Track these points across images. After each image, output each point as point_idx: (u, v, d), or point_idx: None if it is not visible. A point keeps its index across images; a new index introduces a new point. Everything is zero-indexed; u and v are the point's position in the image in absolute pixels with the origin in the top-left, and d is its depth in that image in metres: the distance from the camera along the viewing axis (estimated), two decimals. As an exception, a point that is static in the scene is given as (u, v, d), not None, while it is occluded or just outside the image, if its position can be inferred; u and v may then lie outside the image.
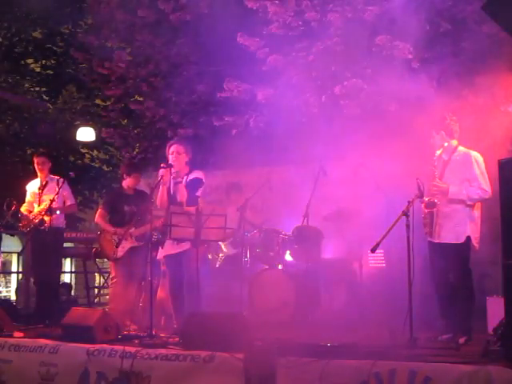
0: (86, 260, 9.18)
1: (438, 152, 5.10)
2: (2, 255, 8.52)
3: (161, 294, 6.66)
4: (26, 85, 13.98)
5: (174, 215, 5.19)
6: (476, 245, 4.91)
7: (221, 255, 7.35)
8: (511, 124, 5.63)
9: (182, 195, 5.45)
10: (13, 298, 13.18)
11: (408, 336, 4.32)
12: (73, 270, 15.90)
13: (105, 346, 4.56)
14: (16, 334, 5.28)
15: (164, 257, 5.73)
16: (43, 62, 14.36)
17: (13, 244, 16.23)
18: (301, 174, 7.32)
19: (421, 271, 5.04)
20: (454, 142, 5.09)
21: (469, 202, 4.88)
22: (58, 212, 6.71)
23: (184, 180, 5.57)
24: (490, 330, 4.84)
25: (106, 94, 10.90)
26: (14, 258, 17.95)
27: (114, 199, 6.52)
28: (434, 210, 4.91)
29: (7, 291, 17.91)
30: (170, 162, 5.56)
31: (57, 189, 6.60)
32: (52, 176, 6.90)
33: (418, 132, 5.39)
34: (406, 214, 4.60)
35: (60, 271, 7.17)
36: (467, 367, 3.51)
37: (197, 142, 9.02)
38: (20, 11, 13.43)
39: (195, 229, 5.20)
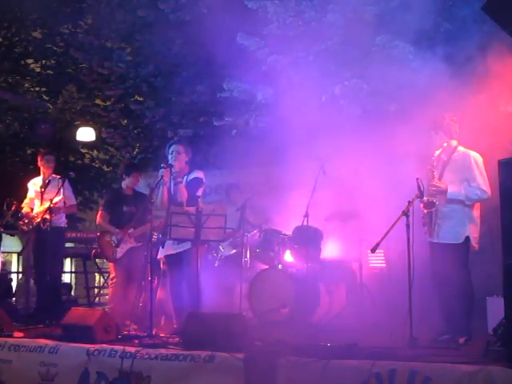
0: (86, 260, 9.19)
1: (437, 152, 5.10)
2: (2, 255, 8.51)
3: (161, 293, 6.66)
4: (26, 85, 13.97)
5: (173, 215, 5.19)
6: (475, 245, 4.91)
7: (220, 255, 7.35)
8: (511, 124, 5.63)
9: (183, 195, 5.46)
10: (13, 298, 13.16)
11: (408, 336, 4.32)
12: (73, 270, 15.89)
13: (105, 345, 4.56)
14: (16, 334, 5.28)
15: (164, 257, 5.73)
16: (43, 62, 14.34)
17: (13, 244, 16.21)
18: (301, 173, 7.31)
19: (421, 271, 5.04)
20: (454, 142, 5.09)
21: (468, 202, 4.88)
22: (60, 212, 6.71)
23: (184, 180, 5.57)
24: (490, 330, 4.84)
25: (106, 93, 10.91)
26: (14, 258, 17.94)
27: (113, 200, 6.52)
28: (433, 210, 4.91)
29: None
30: (170, 161, 5.56)
31: (61, 188, 6.60)
32: (54, 175, 6.91)
33: (417, 132, 5.39)
34: (406, 213, 4.60)
35: (61, 271, 7.16)
36: (467, 367, 3.51)
37: (197, 141, 9.03)
38: (20, 11, 13.42)
39: (195, 229, 5.20)
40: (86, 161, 14.36)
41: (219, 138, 9.50)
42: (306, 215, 6.24)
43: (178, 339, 4.70)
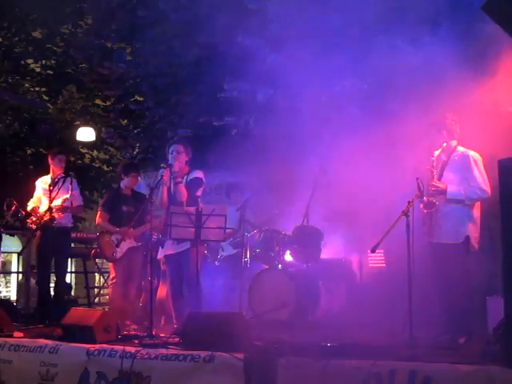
0: (86, 260, 9.19)
1: (437, 152, 5.10)
2: (2, 255, 8.51)
3: (161, 293, 6.66)
4: (26, 85, 13.97)
5: (173, 215, 5.19)
6: (476, 245, 4.91)
7: (220, 255, 7.35)
8: (511, 124, 5.63)
9: (183, 195, 5.46)
10: (13, 298, 13.17)
11: (408, 336, 4.31)
12: (73, 270, 15.89)
13: (105, 345, 4.56)
14: (16, 334, 5.28)
15: (164, 256, 5.73)
16: (43, 62, 14.35)
17: (13, 244, 16.24)
18: (301, 173, 7.31)
19: (421, 271, 5.03)
20: (454, 142, 5.09)
21: (468, 202, 4.89)
22: (68, 211, 6.71)
23: (184, 180, 5.57)
24: (490, 330, 4.84)
25: (106, 93, 10.91)
26: (14, 257, 17.95)
27: (112, 200, 6.52)
28: (433, 210, 4.92)
29: (7, 291, 17.90)
30: (170, 161, 5.56)
31: (70, 187, 6.60)
32: (63, 175, 6.90)
33: (417, 132, 5.39)
34: (406, 214, 4.60)
35: (66, 271, 7.14)
36: (467, 367, 3.51)
37: (197, 142, 9.02)
38: (20, 11, 13.42)
39: (195, 229, 5.20)
40: (86, 161, 14.36)
41: (219, 138, 9.50)
42: (306, 215, 6.24)
43: (178, 339, 4.70)
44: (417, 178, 4.80)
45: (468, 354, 4.04)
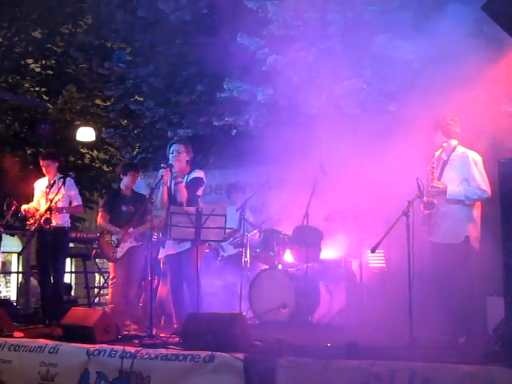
0: (86, 260, 9.19)
1: (437, 153, 5.10)
2: (2, 255, 8.50)
3: (161, 293, 6.66)
4: (26, 85, 13.97)
5: (173, 215, 5.19)
6: (476, 245, 4.90)
7: (221, 255, 7.35)
8: (511, 124, 5.63)
9: (183, 195, 5.45)
10: (13, 298, 13.16)
11: (408, 336, 4.31)
12: (73, 270, 15.89)
13: (105, 345, 4.56)
14: (16, 333, 5.28)
15: (165, 256, 5.73)
16: (43, 62, 14.35)
17: (13, 244, 16.22)
18: (301, 173, 7.31)
19: (421, 271, 5.04)
20: (454, 142, 5.09)
21: (467, 202, 4.88)
22: (64, 211, 6.69)
23: (184, 179, 5.57)
24: (490, 330, 4.84)
25: (106, 93, 10.91)
26: (14, 258, 17.94)
27: (112, 200, 6.52)
28: (433, 210, 4.92)
29: (7, 291, 17.89)
30: (170, 161, 5.56)
31: (63, 188, 6.59)
32: (60, 175, 6.87)
33: (417, 132, 5.39)
34: (406, 214, 4.59)
35: (64, 271, 7.13)
36: (467, 367, 3.50)
37: (197, 141, 9.02)
38: (20, 11, 13.42)
39: (195, 229, 5.20)
40: (86, 161, 14.36)
41: (219, 138, 9.50)
42: (306, 215, 6.24)
43: (178, 339, 4.69)
44: (417, 178, 4.80)
45: (468, 353, 4.04)
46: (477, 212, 4.96)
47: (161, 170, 5.51)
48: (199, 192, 5.62)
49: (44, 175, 6.95)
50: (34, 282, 9.98)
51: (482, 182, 4.86)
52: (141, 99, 10.29)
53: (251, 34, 7.89)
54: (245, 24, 7.93)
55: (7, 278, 18.52)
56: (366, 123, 6.84)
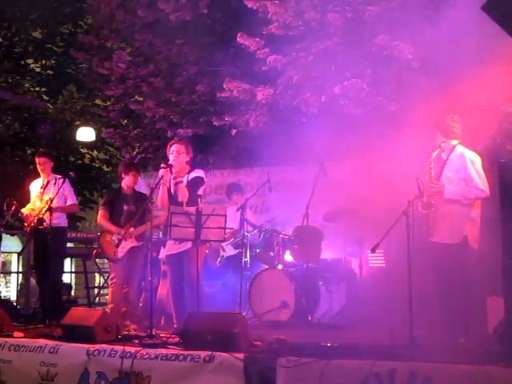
0: (86, 260, 9.19)
1: (435, 153, 5.10)
2: (2, 255, 8.50)
3: (161, 293, 6.66)
4: (26, 85, 13.96)
5: (173, 215, 5.19)
6: (475, 244, 4.90)
7: (221, 255, 7.35)
8: (511, 124, 5.63)
9: (184, 195, 5.45)
10: (13, 298, 13.17)
11: (408, 336, 4.31)
12: (73, 270, 15.89)
13: (105, 345, 4.56)
14: (16, 333, 5.27)
15: (165, 256, 5.73)
16: (43, 61, 14.36)
17: (13, 244, 16.23)
18: (301, 173, 7.32)
19: (421, 271, 5.04)
20: (453, 142, 5.09)
21: (465, 202, 4.88)
22: (58, 211, 6.68)
23: (185, 179, 5.56)
24: (490, 330, 4.84)
25: (106, 93, 10.90)
26: (14, 258, 17.94)
27: (113, 199, 6.51)
28: (431, 210, 4.92)
29: (7, 291, 17.89)
30: (170, 161, 5.56)
31: (57, 188, 6.58)
32: (54, 175, 6.87)
33: (417, 132, 5.39)
34: (406, 214, 4.59)
35: (62, 271, 7.12)
36: (467, 367, 3.51)
37: (197, 141, 9.02)
38: (20, 11, 13.42)
39: (195, 229, 5.20)
40: (86, 161, 14.36)
41: (219, 138, 9.50)
42: (306, 215, 6.24)
43: (178, 339, 4.69)
44: (417, 178, 4.80)
45: (468, 353, 4.04)
46: (476, 212, 4.96)
47: (161, 170, 5.51)
48: (200, 191, 5.62)
49: (39, 176, 6.94)
50: (33, 282, 9.99)
51: (479, 181, 4.87)
52: (141, 99, 10.29)
53: (251, 34, 7.89)
54: (245, 24, 7.93)
55: (7, 277, 18.51)
56: (366, 123, 6.84)
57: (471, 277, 4.89)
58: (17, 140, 13.48)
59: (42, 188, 6.70)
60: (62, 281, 7.22)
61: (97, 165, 14.41)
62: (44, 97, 14.03)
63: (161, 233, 6.85)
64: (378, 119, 6.78)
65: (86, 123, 12.70)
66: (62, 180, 6.67)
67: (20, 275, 13.55)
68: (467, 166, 4.91)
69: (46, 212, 6.43)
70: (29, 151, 13.66)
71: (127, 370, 4.30)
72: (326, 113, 7.19)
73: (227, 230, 5.80)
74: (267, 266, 6.72)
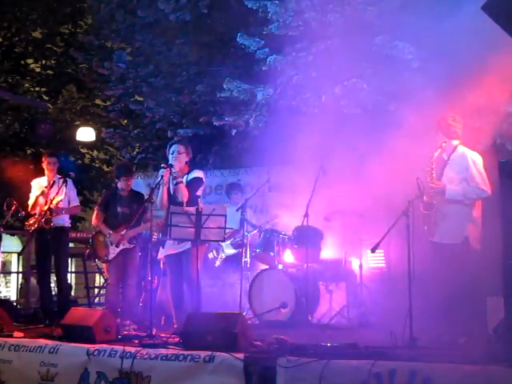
0: (86, 260, 9.18)
1: (436, 153, 5.10)
2: (2, 255, 8.49)
3: (161, 294, 6.66)
4: (26, 85, 13.98)
5: (173, 215, 5.19)
6: (476, 245, 4.90)
7: (221, 255, 7.35)
8: (511, 124, 5.63)
9: (184, 195, 5.45)
10: (13, 298, 13.17)
11: (408, 336, 4.31)
12: (73, 270, 15.88)
13: (105, 345, 4.56)
14: (16, 333, 5.27)
15: (165, 257, 5.73)
16: (43, 61, 14.37)
17: (13, 244, 16.23)
18: (301, 173, 7.31)
19: (421, 271, 5.04)
20: (455, 142, 5.09)
21: (467, 202, 4.88)
22: (63, 212, 6.68)
23: (184, 180, 5.56)
24: (490, 330, 4.84)
25: (106, 93, 10.91)
26: (14, 258, 17.93)
27: (108, 200, 6.50)
28: (433, 211, 4.91)
29: (7, 291, 17.89)
30: (170, 162, 5.56)
31: (64, 189, 6.58)
32: (58, 176, 6.86)
33: (418, 132, 5.39)
34: (406, 214, 4.59)
35: (67, 270, 7.08)
36: (467, 367, 3.50)
37: (197, 141, 9.03)
38: (20, 11, 13.43)
39: (195, 229, 5.19)
40: (86, 161, 14.36)
41: (219, 138, 9.50)
42: (306, 215, 6.24)
43: (178, 339, 4.69)
44: (417, 178, 4.80)
45: (468, 353, 4.03)
46: (477, 212, 4.96)
47: (161, 170, 5.50)
48: (199, 192, 5.62)
49: (42, 175, 6.92)
50: (33, 282, 9.97)
51: (481, 181, 4.86)
52: (141, 99, 10.30)
53: (251, 34, 7.90)
54: (245, 24, 7.93)
55: (7, 278, 18.51)
56: (366, 123, 6.84)
57: (472, 277, 4.88)
58: (17, 140, 13.49)
59: (47, 187, 6.65)
60: (67, 280, 7.15)
61: (97, 165, 14.42)
62: (44, 97, 14.04)
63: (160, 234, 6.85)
64: (377, 119, 6.77)
65: (86, 123, 12.71)
66: (68, 181, 6.68)
67: (20, 275, 13.55)
68: (469, 165, 4.91)
69: (50, 212, 6.43)
70: (29, 151, 13.67)
71: (127, 370, 4.30)
72: (325, 113, 7.18)
73: (227, 230, 5.79)
74: (267, 266, 6.72)
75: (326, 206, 6.73)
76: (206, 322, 4.50)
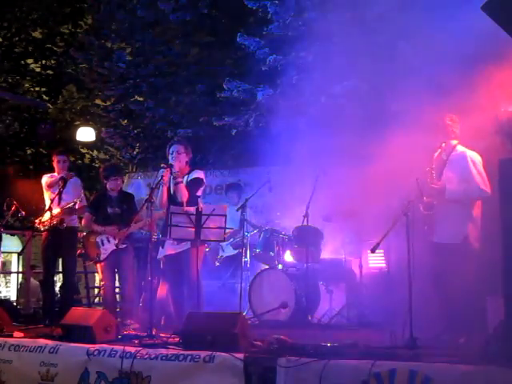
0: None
1: (436, 153, 5.10)
2: (2, 255, 8.49)
3: (161, 293, 6.66)
4: (26, 85, 14.00)
5: (173, 215, 5.19)
6: (475, 245, 4.90)
7: (221, 255, 7.35)
8: (511, 124, 5.62)
9: (184, 195, 5.45)
10: (13, 298, 13.17)
11: (408, 336, 4.31)
12: (73, 269, 15.87)
13: (105, 345, 4.55)
14: (16, 334, 5.27)
15: (164, 257, 5.73)
16: (43, 61, 14.38)
17: (13, 244, 16.24)
18: (301, 173, 7.31)
19: (421, 271, 5.03)
20: (454, 142, 5.09)
21: (467, 202, 4.88)
22: (75, 212, 6.65)
23: (184, 180, 5.57)
24: (490, 330, 4.84)
25: (106, 93, 10.92)
26: (14, 258, 17.95)
27: (98, 201, 6.49)
28: (433, 211, 4.91)
29: (7, 291, 17.90)
30: (170, 162, 5.56)
31: (80, 189, 6.62)
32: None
33: (417, 132, 5.38)
34: (406, 214, 4.59)
35: (75, 270, 7.05)
36: (467, 367, 3.50)
37: (197, 142, 9.03)
38: (20, 11, 13.44)
39: (195, 229, 5.19)
40: (86, 161, 14.37)
41: (219, 138, 9.51)
42: (306, 215, 6.24)
43: (178, 339, 4.69)
44: (417, 178, 4.80)
45: (468, 354, 4.03)
46: (476, 212, 4.96)
47: (161, 170, 5.50)
48: (199, 192, 5.62)
49: (46, 173, 6.87)
50: (33, 282, 9.98)
51: (480, 181, 4.86)
52: (141, 99, 10.31)
53: (251, 34, 7.91)
54: (245, 24, 7.94)
55: (7, 278, 18.53)
56: (366, 123, 6.84)
57: (471, 277, 4.88)
58: (17, 140, 13.50)
59: (60, 188, 6.58)
60: (75, 280, 7.12)
61: (97, 165, 14.42)
62: (44, 97, 14.06)
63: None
64: (378, 119, 6.77)
65: (85, 123, 12.71)
66: (79, 181, 6.82)
67: (20, 275, 13.56)
68: (468, 165, 4.91)
69: (66, 212, 6.41)
70: (29, 151, 13.68)
71: (127, 370, 4.30)
72: (326, 113, 7.19)
73: (227, 230, 5.79)
74: (267, 266, 6.72)
75: (325, 206, 6.72)
76: (206, 321, 4.50)
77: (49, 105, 13.35)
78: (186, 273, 5.44)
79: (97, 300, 10.29)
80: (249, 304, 6.42)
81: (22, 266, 16.04)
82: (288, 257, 6.71)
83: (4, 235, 8.43)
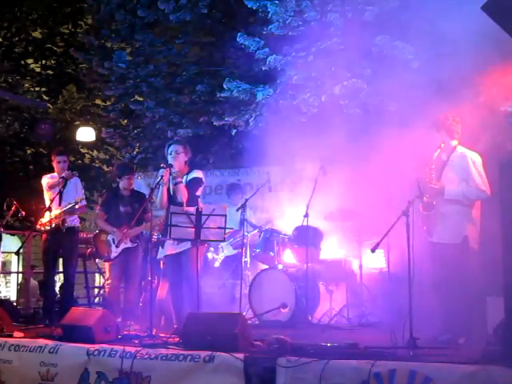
0: (86, 260, 9.18)
1: (436, 153, 5.09)
2: (2, 255, 8.49)
3: (161, 293, 6.66)
4: (26, 85, 14.00)
5: (173, 215, 5.19)
6: (475, 245, 4.90)
7: (221, 255, 7.35)
8: (511, 124, 5.63)
9: (183, 195, 5.45)
10: (13, 298, 13.17)
11: (408, 336, 4.31)
12: (73, 269, 15.87)
13: (105, 345, 4.55)
14: (16, 334, 5.27)
15: (164, 257, 5.73)
16: (43, 61, 14.40)
17: (13, 244, 16.22)
18: (301, 174, 7.31)
19: (421, 271, 5.04)
20: (454, 142, 5.08)
21: (466, 202, 4.88)
22: (77, 212, 6.65)
23: (184, 180, 5.56)
24: (490, 330, 4.84)
25: (106, 93, 10.92)
26: (14, 258, 17.94)
27: (110, 199, 6.50)
28: (432, 211, 4.91)
29: (7, 291, 17.90)
30: (169, 162, 5.55)
31: (81, 189, 6.60)
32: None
33: (417, 132, 5.39)
34: (405, 214, 4.59)
35: (75, 271, 7.04)
36: (467, 367, 3.50)
37: (197, 141, 9.03)
38: (20, 11, 13.45)
39: (195, 229, 5.19)
40: (86, 161, 14.38)
41: (219, 138, 9.51)
42: (306, 215, 6.24)
43: (178, 339, 4.69)
44: (417, 178, 4.80)
45: (468, 354, 4.03)
46: (476, 212, 4.96)
47: (161, 170, 5.50)
48: (198, 192, 5.62)
49: (46, 173, 6.86)
50: (33, 282, 9.97)
51: (480, 182, 4.86)
52: (141, 99, 10.31)
53: (251, 34, 7.91)
54: (245, 24, 7.94)
55: (7, 278, 18.52)
56: (366, 123, 6.85)
57: (471, 277, 4.88)
58: (17, 140, 13.50)
59: (61, 187, 6.55)
60: (74, 280, 7.12)
61: (97, 165, 14.44)
62: (44, 97, 14.06)
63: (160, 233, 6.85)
64: (377, 119, 6.78)
65: (85, 123, 12.72)
66: (79, 181, 6.71)
67: (20, 275, 13.56)
68: (468, 166, 4.90)
69: (67, 213, 6.41)
70: (29, 151, 13.68)
71: (127, 370, 4.30)
72: (325, 113, 7.19)
73: (227, 230, 5.79)
74: (267, 266, 6.72)
75: (326, 206, 6.73)
76: (206, 321, 4.50)
77: (49, 105, 13.35)
78: (185, 273, 5.44)
79: (97, 300, 10.28)
80: (249, 304, 6.42)
81: (22, 266, 16.04)
82: (288, 257, 6.71)
83: (4, 235, 8.43)
